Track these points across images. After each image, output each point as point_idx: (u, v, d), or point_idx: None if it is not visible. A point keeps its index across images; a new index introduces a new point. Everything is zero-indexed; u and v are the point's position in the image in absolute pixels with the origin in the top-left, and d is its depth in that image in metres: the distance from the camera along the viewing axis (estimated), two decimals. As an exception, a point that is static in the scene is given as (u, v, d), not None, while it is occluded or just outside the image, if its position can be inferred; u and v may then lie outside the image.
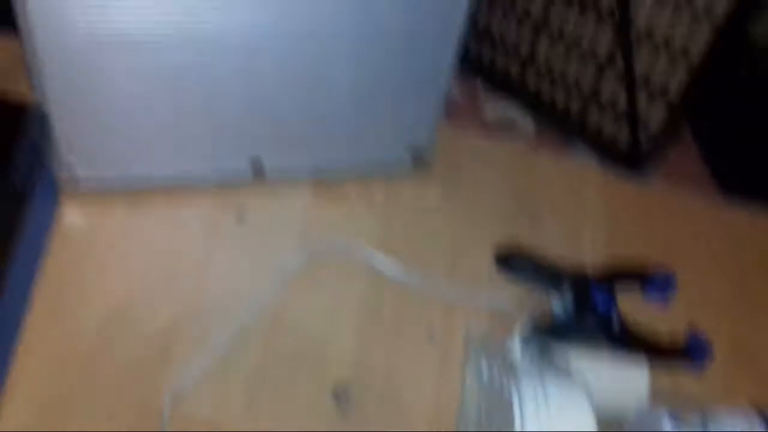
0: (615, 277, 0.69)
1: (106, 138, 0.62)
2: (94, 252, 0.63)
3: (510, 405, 0.49)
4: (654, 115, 0.77)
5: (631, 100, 0.78)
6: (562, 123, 0.84)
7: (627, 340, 0.64)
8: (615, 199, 0.78)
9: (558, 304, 0.65)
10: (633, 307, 0.67)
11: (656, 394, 0.59)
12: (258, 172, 0.68)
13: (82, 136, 0.61)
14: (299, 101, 0.64)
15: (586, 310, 0.65)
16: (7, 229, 0.53)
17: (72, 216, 0.64)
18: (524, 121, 0.85)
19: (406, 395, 0.60)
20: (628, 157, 0.81)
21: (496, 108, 0.85)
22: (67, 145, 0.61)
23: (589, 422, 0.49)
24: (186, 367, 0.57)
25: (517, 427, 0.48)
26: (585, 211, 0.76)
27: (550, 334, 0.62)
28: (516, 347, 0.58)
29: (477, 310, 0.65)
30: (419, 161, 0.74)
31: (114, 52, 0.56)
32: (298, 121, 0.66)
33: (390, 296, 0.65)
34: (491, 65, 0.86)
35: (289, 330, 0.61)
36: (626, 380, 0.61)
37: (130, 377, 0.56)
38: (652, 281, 0.69)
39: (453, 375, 0.61)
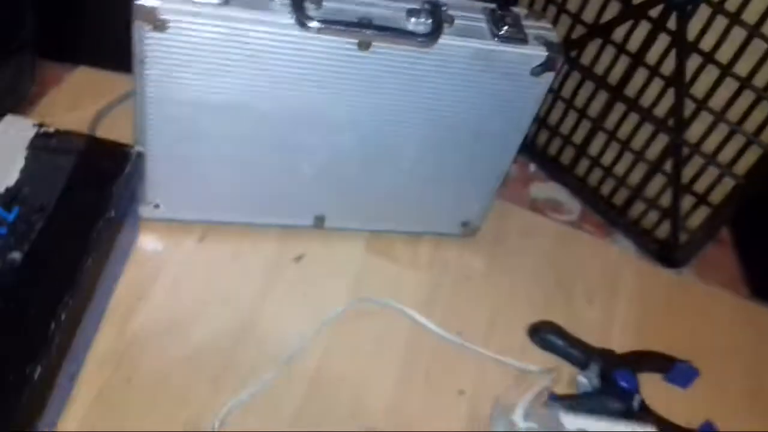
0: (641, 359, 0.73)
1: (189, 187, 0.68)
2: (163, 277, 0.69)
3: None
4: (695, 217, 0.82)
5: (675, 202, 0.82)
6: (606, 211, 0.88)
7: (645, 419, 0.67)
8: (649, 287, 0.82)
9: (583, 378, 0.69)
10: (654, 391, 0.71)
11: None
12: (318, 221, 0.74)
13: (169, 181, 0.67)
14: (368, 176, 0.71)
15: (610, 386, 0.68)
16: (107, 250, 0.59)
17: (148, 243, 0.71)
18: (571, 204, 0.90)
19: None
20: (666, 251, 0.85)
21: (546, 188, 0.91)
22: (155, 186, 0.67)
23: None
24: (233, 396, 0.62)
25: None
26: (619, 295, 0.80)
27: (572, 405, 0.66)
28: (519, 414, 0.62)
29: (507, 373, 0.70)
30: (469, 230, 0.79)
31: (212, 116, 0.62)
32: (363, 193, 0.73)
33: (427, 351, 0.70)
34: (545, 149, 0.92)
35: (331, 370, 0.66)
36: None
37: (180, 397, 0.60)
38: (676, 369, 0.73)
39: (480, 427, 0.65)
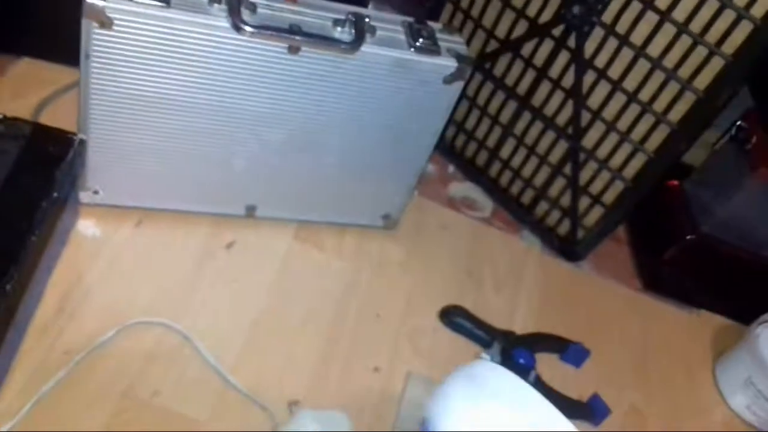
0: (538, 340, 0.81)
1: (127, 175, 0.73)
2: (100, 259, 0.73)
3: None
4: (591, 216, 0.91)
5: (574, 202, 0.91)
6: (515, 209, 0.97)
7: (539, 391, 0.75)
8: (550, 278, 0.91)
9: (486, 355, 0.77)
10: (550, 369, 0.80)
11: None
12: (250, 210, 0.80)
13: (108, 169, 0.72)
14: (295, 168, 0.77)
15: (510, 363, 0.76)
16: (49, 229, 0.64)
17: (87, 227, 0.75)
18: (484, 202, 0.98)
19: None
20: (566, 246, 0.94)
21: (462, 188, 0.99)
22: (95, 173, 0.72)
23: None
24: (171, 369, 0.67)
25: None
26: (523, 285, 0.89)
27: None
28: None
29: (419, 351, 0.77)
30: (389, 222, 0.87)
31: (150, 109, 0.67)
32: (291, 184, 0.79)
33: (347, 331, 0.77)
34: (462, 152, 1.00)
35: (258, 343, 0.72)
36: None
37: (115, 369, 0.65)
38: (570, 350, 0.82)
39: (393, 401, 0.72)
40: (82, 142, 0.69)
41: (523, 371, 0.76)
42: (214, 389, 0.67)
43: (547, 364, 0.81)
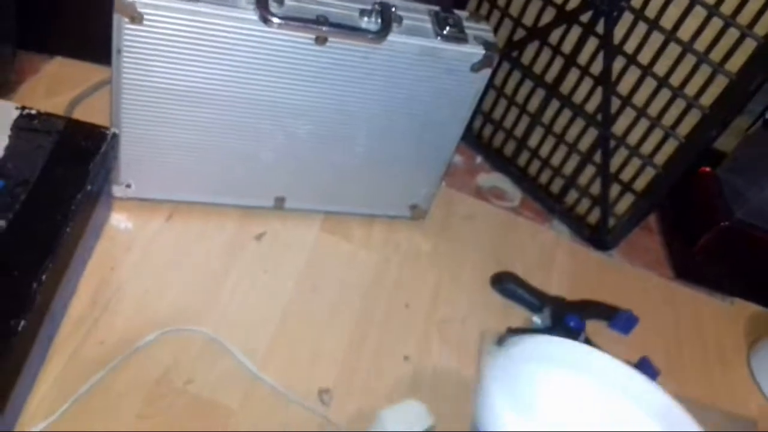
0: (588, 306, 0.83)
1: (159, 168, 0.74)
2: (133, 251, 0.74)
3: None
4: (622, 204, 0.90)
5: (604, 190, 0.90)
6: (544, 199, 0.96)
7: None
8: (581, 267, 0.91)
9: (537, 320, 0.79)
10: (599, 336, 0.81)
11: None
12: (279, 201, 0.81)
13: (140, 163, 0.73)
14: (323, 159, 0.78)
15: (560, 326, 0.78)
16: (84, 221, 0.65)
17: (120, 220, 0.76)
18: (512, 192, 0.98)
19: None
20: (595, 233, 0.93)
21: (490, 178, 0.99)
22: (127, 167, 0.73)
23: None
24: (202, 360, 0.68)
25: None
26: (553, 274, 0.88)
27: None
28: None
29: (448, 341, 0.77)
30: (418, 213, 0.87)
31: (180, 102, 0.69)
32: (319, 176, 0.79)
33: (376, 322, 0.77)
34: (490, 142, 1.00)
35: (289, 333, 0.73)
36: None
37: (149, 358, 0.66)
38: (618, 317, 0.83)
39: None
40: (115, 136, 0.70)
41: (574, 334, 0.77)
42: (245, 378, 0.67)
43: (596, 332, 0.81)
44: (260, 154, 0.75)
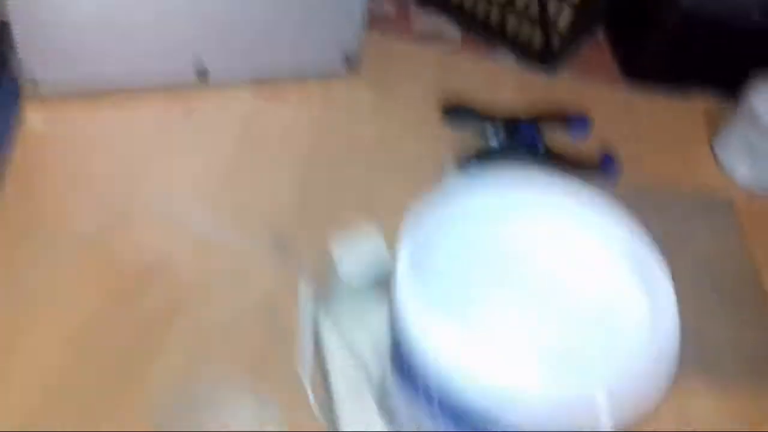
0: (540, 117, 0.81)
1: (62, 42, 0.69)
2: (54, 150, 0.70)
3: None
4: (562, 20, 0.86)
5: (542, 7, 0.86)
6: (483, 31, 0.92)
7: (550, 158, 0.75)
8: (528, 90, 0.87)
9: (493, 138, 0.77)
10: (557, 141, 0.79)
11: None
12: (202, 74, 0.76)
13: (40, 40, 0.67)
14: (238, 9, 0.72)
15: (517, 140, 0.77)
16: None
17: (33, 120, 0.71)
18: (450, 31, 0.93)
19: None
20: (542, 56, 0.90)
21: (425, 21, 0.94)
22: (26, 50, 0.67)
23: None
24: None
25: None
26: (502, 100, 0.84)
27: (486, 159, 0.74)
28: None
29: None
30: (351, 63, 0.82)
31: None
32: (236, 28, 0.74)
33: (323, 173, 0.74)
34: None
35: (230, 202, 0.70)
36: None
37: (86, 256, 0.63)
38: (573, 120, 0.81)
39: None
40: (5, 25, 0.64)
41: (531, 147, 0.76)
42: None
43: (553, 139, 0.79)
44: (167, 11, 0.70)
